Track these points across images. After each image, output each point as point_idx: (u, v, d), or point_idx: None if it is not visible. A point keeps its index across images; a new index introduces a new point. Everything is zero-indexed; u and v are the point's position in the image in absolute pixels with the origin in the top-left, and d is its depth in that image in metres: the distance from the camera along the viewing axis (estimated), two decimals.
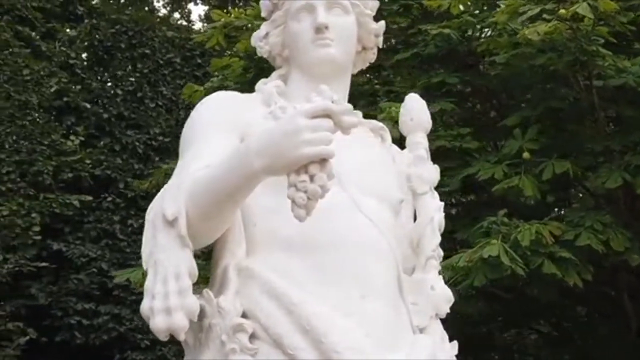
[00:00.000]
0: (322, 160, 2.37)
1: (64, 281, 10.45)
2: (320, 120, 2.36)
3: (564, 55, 5.80)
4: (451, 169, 6.38)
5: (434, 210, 3.28)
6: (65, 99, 10.73)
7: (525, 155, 5.95)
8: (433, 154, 6.65)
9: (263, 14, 3.33)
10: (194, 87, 7.65)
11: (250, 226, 2.81)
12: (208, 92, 7.61)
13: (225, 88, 7.48)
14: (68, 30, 11.11)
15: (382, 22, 3.31)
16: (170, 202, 2.55)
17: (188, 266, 2.53)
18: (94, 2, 11.55)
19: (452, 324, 6.26)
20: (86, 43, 11.19)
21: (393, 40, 7.72)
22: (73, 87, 10.84)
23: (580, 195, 7.30)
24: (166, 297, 2.47)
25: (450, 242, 6.36)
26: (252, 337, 2.63)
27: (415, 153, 3.36)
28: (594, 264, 6.15)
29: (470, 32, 6.72)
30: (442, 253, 3.23)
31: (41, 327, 10.30)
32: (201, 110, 3.09)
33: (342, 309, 2.67)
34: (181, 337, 2.52)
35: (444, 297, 3.12)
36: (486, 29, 6.64)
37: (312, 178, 2.36)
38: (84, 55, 11.18)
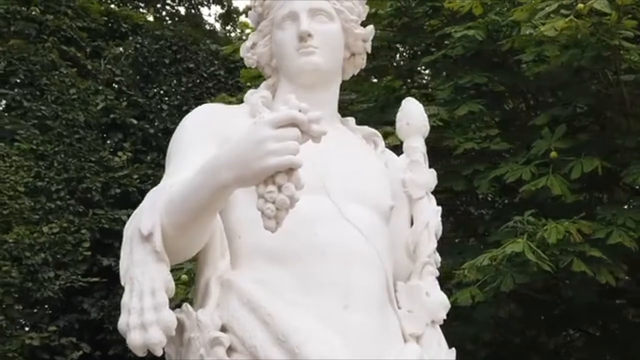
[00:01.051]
0: (289, 170, 2.36)
1: (115, 295, 10.60)
2: (286, 130, 2.34)
3: (586, 50, 5.69)
4: (481, 172, 6.32)
5: (430, 215, 3.25)
6: (111, 115, 10.92)
7: (553, 154, 5.85)
8: (462, 156, 6.50)
9: (252, 25, 3.34)
10: (227, 99, 7.72)
11: (235, 238, 2.82)
12: (240, 102, 7.65)
13: None
14: (113, 48, 11.28)
15: (370, 27, 3.29)
16: (146, 217, 2.57)
17: (164, 281, 2.54)
18: (138, 20, 11.68)
19: (485, 327, 6.17)
20: (131, 60, 11.37)
21: (423, 44, 7.70)
22: (119, 103, 11.02)
23: (613, 193, 7.13)
24: (142, 312, 2.49)
25: (483, 245, 6.29)
26: (230, 349, 2.63)
27: (411, 158, 3.33)
28: (634, 263, 6.03)
29: (497, 32, 6.64)
30: (439, 258, 3.18)
31: (94, 342, 10.47)
32: (185, 125, 3.11)
33: (323, 319, 2.65)
34: (158, 352, 2.54)
35: (439, 304, 3.08)
36: (513, 28, 6.54)
37: (279, 188, 2.36)
38: (129, 72, 11.35)
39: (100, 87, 10.99)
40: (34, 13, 10.88)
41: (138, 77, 11.66)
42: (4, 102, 10.51)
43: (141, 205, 2.67)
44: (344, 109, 7.82)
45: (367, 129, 3.33)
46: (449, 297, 3.11)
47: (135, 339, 2.48)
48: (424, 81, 8.33)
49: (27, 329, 9.48)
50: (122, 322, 2.51)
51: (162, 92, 11.54)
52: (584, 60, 5.82)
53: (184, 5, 17.11)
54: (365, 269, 2.81)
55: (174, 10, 17.64)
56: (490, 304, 5.89)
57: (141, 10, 16.23)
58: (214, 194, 2.45)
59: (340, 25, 3.14)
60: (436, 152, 6.75)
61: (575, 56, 5.82)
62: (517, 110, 7.70)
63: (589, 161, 5.83)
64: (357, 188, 2.96)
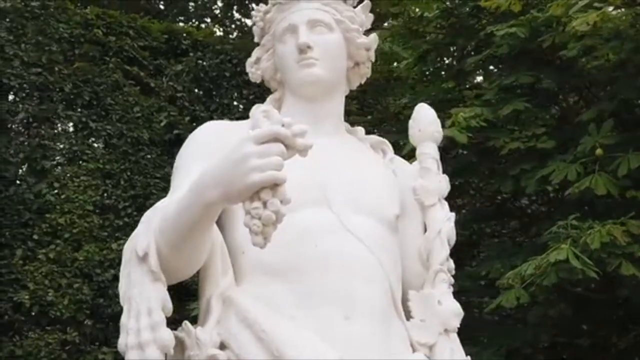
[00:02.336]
0: (274, 186, 2.37)
1: (184, 308, 10.75)
2: (269, 146, 2.36)
3: (625, 42, 5.53)
4: (528, 171, 6.19)
5: (442, 221, 3.21)
6: (175, 131, 11.10)
7: (598, 151, 5.71)
8: (508, 156, 6.44)
9: (255, 39, 3.36)
10: None
11: (239, 255, 2.85)
12: None
13: None
14: (174, 65, 11.46)
15: (373, 35, 3.28)
16: (141, 238, 2.62)
17: (161, 300, 2.59)
18: (199, 37, 11.84)
19: (539, 329, 6.04)
20: (192, 75, 11.53)
21: (472, 44, 7.60)
22: (182, 119, 11.19)
23: None
24: (139, 332, 2.55)
25: (534, 246, 6.17)
26: None
27: (422, 164, 3.31)
28: None
29: (540, 29, 6.52)
30: (452, 265, 3.15)
31: None
32: (189, 142, 3.16)
33: (321, 333, 2.66)
34: None
35: (451, 312, 3.05)
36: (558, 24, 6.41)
37: (265, 204, 2.37)
38: (191, 88, 11.52)
39: (163, 104, 11.17)
40: (96, 35, 11.13)
41: (200, 92, 11.82)
42: (71, 124, 10.78)
43: (139, 225, 2.72)
44: (398, 114, 7.83)
45: (375, 137, 3.33)
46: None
47: (133, 359, 2.53)
48: (477, 82, 8.24)
49: (98, 343, 9.67)
50: (120, 342, 2.58)
51: (223, 105, 11.67)
52: (624, 52, 5.65)
53: (250, 17, 17.28)
54: (367, 279, 2.81)
55: (239, 23, 17.87)
56: (540, 304, 5.78)
57: (206, 25, 16.51)
58: (201, 212, 2.48)
59: (340, 35, 3.15)
60: (483, 153, 6.67)
61: (615, 49, 5.66)
62: (568, 108, 7.54)
63: (637, 157, 5.65)
64: (360, 198, 2.95)
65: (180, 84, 11.45)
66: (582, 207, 5.96)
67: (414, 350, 2.90)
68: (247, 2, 16.90)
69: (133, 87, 11.05)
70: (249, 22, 17.46)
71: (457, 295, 6.39)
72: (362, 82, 3.38)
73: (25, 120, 10.66)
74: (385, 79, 7.89)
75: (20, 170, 10.13)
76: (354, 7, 3.31)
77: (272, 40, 3.20)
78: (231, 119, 12.03)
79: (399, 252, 3.03)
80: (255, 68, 3.28)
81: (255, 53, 3.27)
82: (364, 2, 3.33)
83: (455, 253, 3.17)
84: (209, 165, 2.48)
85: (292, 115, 3.13)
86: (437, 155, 3.36)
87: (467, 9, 7.18)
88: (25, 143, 10.22)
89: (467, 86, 7.64)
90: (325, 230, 2.84)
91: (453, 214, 3.25)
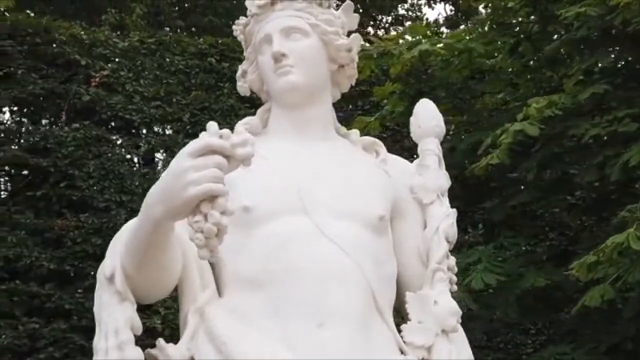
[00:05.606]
0: (213, 198, 2.38)
1: None
2: (204, 158, 2.38)
3: None
4: (610, 157, 5.85)
5: (440, 219, 3.11)
6: None
7: None
8: (588, 144, 6.14)
9: (245, 53, 3.37)
10: (365, 120, 7.69)
11: (222, 267, 2.87)
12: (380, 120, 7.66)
13: (392, 114, 7.49)
14: None
15: (354, 36, 3.22)
16: (108, 260, 2.70)
17: (128, 319, 2.65)
18: None
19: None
20: None
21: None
22: None
23: None
24: (107, 352, 2.61)
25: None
26: None
27: (421, 162, 3.23)
28: None
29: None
30: (453, 263, 3.05)
31: None
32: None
33: (292, 342, 2.62)
34: None
35: (448, 311, 2.95)
36: None
37: (206, 217, 2.38)
38: None
39: None
40: (211, 64, 11.48)
41: None
42: None
43: (108, 247, 2.79)
44: (494, 110, 7.58)
45: (367, 139, 3.26)
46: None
47: None
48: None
49: None
50: None
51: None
52: None
53: None
54: (343, 284, 2.76)
55: None
56: (634, 298, 5.41)
57: None
58: (150, 229, 2.52)
59: (317, 39, 3.11)
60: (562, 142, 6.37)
61: None
62: None
63: None
64: (341, 203, 2.91)
65: None
66: None
67: (403, 354, 2.80)
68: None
69: (248, 109, 11.29)
70: None
71: (553, 290, 6.13)
72: (353, 83, 3.31)
73: (146, 152, 11.13)
74: (480, 73, 7.68)
75: None
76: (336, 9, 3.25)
77: (254, 52, 3.20)
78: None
79: (387, 253, 2.95)
80: (242, 81, 3.28)
81: (242, 66, 3.28)
82: (345, 3, 3.27)
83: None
84: (157, 182, 2.52)
85: (278, 124, 3.14)
86: (439, 151, 3.25)
87: None
88: (147, 176, 10.64)
89: (559, 75, 7.30)
90: (301, 238, 2.81)
91: (454, 211, 3.13)
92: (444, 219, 3.10)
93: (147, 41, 11.59)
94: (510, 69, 7.63)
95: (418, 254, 3.04)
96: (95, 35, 11.36)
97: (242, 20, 3.25)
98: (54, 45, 10.91)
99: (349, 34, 3.25)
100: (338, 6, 3.36)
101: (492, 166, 5.98)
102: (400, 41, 7.38)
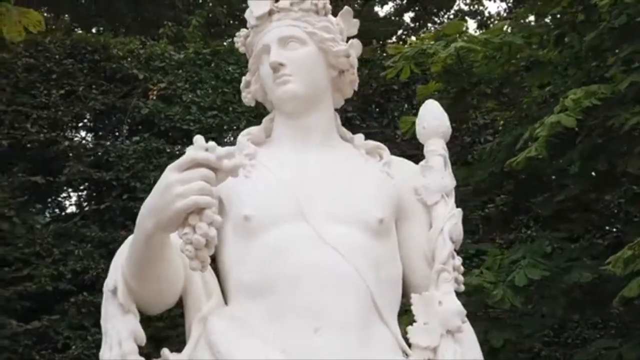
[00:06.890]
0: (200, 210, 2.44)
1: None
2: (190, 172, 2.45)
3: None
4: None
5: (445, 219, 3.11)
6: None
7: None
8: (624, 136, 6.05)
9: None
10: (410, 119, 7.64)
11: (227, 276, 2.93)
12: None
13: None
14: None
15: (352, 41, 3.25)
16: (111, 272, 2.79)
17: (131, 331, 2.73)
18: None
19: None
20: (360, 101, 11.61)
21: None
22: None
23: None
24: None
25: None
26: None
27: (424, 163, 3.24)
28: None
29: None
30: (459, 262, 3.05)
31: None
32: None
33: (290, 347, 2.67)
34: None
35: (453, 312, 2.97)
36: None
37: (194, 229, 2.44)
38: (361, 106, 11.64)
39: None
40: None
41: (373, 107, 11.96)
42: None
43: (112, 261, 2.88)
44: (542, 103, 7.44)
45: (371, 142, 3.29)
46: None
47: None
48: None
49: None
50: None
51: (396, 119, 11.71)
52: None
53: None
54: (342, 289, 2.79)
55: None
56: None
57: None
58: (143, 243, 2.60)
59: (315, 47, 3.15)
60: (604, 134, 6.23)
61: None
62: None
63: None
64: (340, 208, 2.94)
65: (350, 104, 11.62)
66: None
67: (406, 356, 2.82)
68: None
69: None
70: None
71: (600, 285, 6.00)
72: (355, 88, 3.33)
73: None
74: (524, 68, 7.57)
75: None
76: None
77: (256, 63, 3.25)
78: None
79: (389, 256, 2.96)
80: (247, 92, 3.35)
81: (245, 77, 3.34)
82: (344, 10, 3.30)
83: None
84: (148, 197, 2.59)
85: (280, 133, 3.19)
86: (444, 151, 3.25)
87: None
88: None
89: (606, 64, 7.13)
90: (300, 244, 2.85)
91: (459, 210, 3.13)
92: (449, 219, 3.10)
93: (202, 52, 11.76)
94: (556, 60, 7.48)
95: (424, 255, 3.05)
96: (151, 49, 11.59)
97: (242, 32, 3.31)
98: (112, 61, 11.16)
99: (348, 39, 3.28)
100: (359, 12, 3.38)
101: (532, 160, 5.89)
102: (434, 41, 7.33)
